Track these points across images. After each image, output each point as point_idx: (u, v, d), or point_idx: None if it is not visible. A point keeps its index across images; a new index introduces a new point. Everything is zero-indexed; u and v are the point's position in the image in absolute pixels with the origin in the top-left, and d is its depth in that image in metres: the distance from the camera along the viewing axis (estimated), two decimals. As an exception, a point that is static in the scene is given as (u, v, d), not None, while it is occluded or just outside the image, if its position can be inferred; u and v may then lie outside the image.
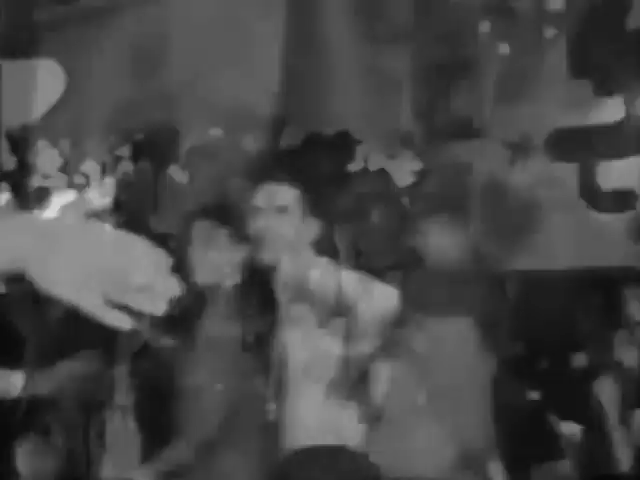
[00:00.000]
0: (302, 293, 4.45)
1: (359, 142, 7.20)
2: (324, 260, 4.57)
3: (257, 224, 4.66)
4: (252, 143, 7.03)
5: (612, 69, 5.64)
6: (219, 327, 4.63)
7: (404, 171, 6.37)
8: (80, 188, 6.88)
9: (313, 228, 4.64)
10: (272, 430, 4.29)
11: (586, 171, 5.64)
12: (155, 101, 7.36)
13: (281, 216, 4.64)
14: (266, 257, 4.63)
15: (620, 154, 5.55)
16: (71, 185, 6.96)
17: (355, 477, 4.09)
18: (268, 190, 4.74)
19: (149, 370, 5.10)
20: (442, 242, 4.78)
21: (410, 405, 4.55)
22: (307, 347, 4.40)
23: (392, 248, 5.11)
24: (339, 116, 7.25)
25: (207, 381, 4.40)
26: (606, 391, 4.75)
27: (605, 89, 5.63)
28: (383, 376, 4.50)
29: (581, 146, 5.78)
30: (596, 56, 5.73)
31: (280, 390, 4.39)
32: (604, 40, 5.75)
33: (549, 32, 6.04)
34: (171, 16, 7.47)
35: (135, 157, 6.74)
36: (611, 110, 5.60)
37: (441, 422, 4.52)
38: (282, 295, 4.63)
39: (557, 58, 5.93)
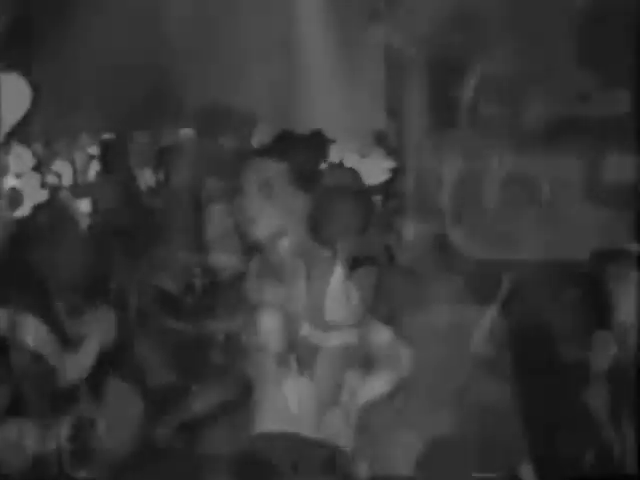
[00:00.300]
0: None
1: (332, 141, 7.24)
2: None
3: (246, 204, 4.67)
4: (228, 142, 7.05)
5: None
6: None
7: (377, 169, 6.40)
8: (54, 188, 6.88)
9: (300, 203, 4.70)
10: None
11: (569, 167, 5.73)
12: (130, 99, 7.39)
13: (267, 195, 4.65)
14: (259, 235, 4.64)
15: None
16: (44, 185, 6.96)
17: (317, 464, 4.13)
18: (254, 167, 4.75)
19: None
20: (414, 237, 4.82)
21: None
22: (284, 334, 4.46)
23: (362, 245, 5.13)
24: (312, 115, 7.29)
25: None
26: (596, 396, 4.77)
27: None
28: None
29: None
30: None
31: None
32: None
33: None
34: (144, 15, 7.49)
35: (104, 156, 6.74)
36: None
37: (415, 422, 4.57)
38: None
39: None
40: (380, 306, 4.91)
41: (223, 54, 7.81)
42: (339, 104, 7.78)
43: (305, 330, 5.15)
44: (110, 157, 6.54)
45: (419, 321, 4.78)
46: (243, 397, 4.43)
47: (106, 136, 6.91)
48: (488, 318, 4.74)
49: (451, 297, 4.77)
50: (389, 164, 6.58)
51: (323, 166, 6.38)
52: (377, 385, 4.54)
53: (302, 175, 4.88)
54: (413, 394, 4.56)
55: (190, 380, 4.81)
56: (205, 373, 4.88)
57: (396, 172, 6.28)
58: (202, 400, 4.63)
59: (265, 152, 6.68)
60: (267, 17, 7.77)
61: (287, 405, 4.47)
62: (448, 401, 4.82)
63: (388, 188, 6.32)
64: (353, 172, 6.14)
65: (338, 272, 4.94)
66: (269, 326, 4.76)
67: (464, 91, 6.24)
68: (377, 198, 6.11)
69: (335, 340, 5.14)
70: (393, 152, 6.71)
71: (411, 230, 4.82)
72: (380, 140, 7.05)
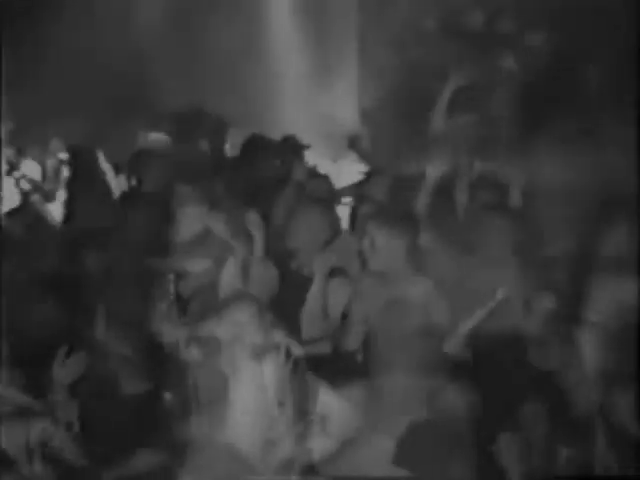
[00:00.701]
0: None
1: (306, 146, 7.26)
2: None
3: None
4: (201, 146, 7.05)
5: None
6: None
7: (349, 173, 6.42)
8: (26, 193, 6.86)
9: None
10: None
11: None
12: (102, 104, 7.38)
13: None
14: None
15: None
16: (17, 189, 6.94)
17: None
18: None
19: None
20: (387, 246, 4.83)
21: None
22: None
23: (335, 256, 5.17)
24: (286, 120, 7.31)
25: None
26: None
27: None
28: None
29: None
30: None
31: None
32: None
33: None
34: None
35: (74, 162, 6.72)
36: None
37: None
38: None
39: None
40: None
41: (196, 59, 7.83)
42: (312, 109, 7.82)
43: (278, 337, 5.17)
44: (80, 163, 6.51)
45: (391, 324, 4.80)
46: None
47: (76, 142, 6.88)
48: (471, 322, 4.75)
49: (422, 299, 4.79)
50: (362, 168, 6.60)
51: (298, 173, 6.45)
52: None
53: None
54: (385, 396, 4.57)
55: (162, 388, 4.77)
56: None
57: (369, 176, 6.28)
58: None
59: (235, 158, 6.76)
60: (239, 23, 7.78)
61: (258, 400, 4.54)
62: (419, 403, 4.85)
63: (361, 192, 6.33)
64: (326, 180, 6.18)
65: (314, 289, 4.98)
66: (244, 317, 4.79)
67: (438, 98, 6.27)
68: (349, 202, 6.14)
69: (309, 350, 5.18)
70: (366, 156, 6.72)
71: (384, 235, 4.82)
72: (353, 144, 7.06)
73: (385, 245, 4.82)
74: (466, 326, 4.75)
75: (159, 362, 4.82)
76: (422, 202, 5.40)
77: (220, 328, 4.78)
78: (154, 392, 4.75)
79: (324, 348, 5.16)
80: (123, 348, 4.82)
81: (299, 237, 5.15)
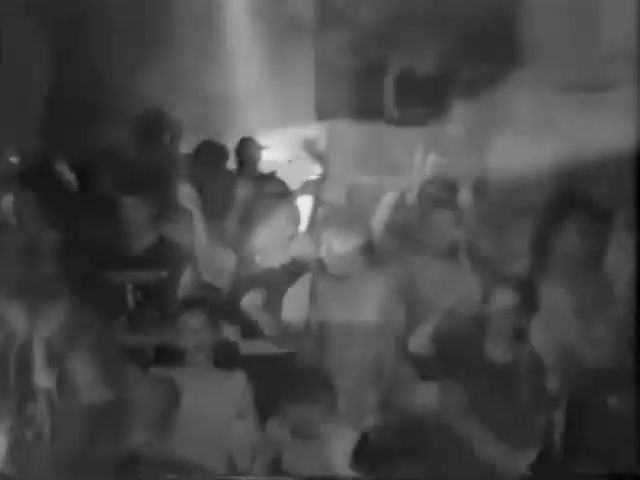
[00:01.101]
0: None
1: (264, 148, 7.26)
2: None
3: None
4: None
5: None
6: None
7: (305, 176, 6.41)
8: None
9: None
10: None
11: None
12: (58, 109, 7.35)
13: None
14: None
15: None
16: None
17: None
18: None
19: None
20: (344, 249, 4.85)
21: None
22: None
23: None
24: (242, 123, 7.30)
25: None
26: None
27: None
28: None
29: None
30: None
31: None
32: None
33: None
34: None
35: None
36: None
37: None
38: None
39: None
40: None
41: (153, 62, 7.80)
42: (268, 110, 7.81)
43: (231, 335, 5.19)
44: (34, 168, 6.47)
45: (349, 323, 4.82)
46: None
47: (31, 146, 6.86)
48: (432, 322, 4.74)
49: (380, 298, 4.79)
50: (317, 171, 6.59)
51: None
52: None
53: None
54: (342, 392, 4.59)
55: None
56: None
57: (324, 179, 6.29)
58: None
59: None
60: (197, 26, 7.77)
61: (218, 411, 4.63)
62: (376, 401, 4.87)
63: (317, 195, 6.34)
64: (282, 183, 6.18)
65: None
66: (196, 322, 4.79)
67: (385, 93, 6.28)
68: (306, 205, 6.13)
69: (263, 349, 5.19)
70: (321, 158, 6.72)
71: (341, 238, 4.84)
72: (308, 147, 7.05)
73: (343, 250, 4.83)
74: (428, 325, 4.73)
75: (120, 372, 4.80)
76: (379, 220, 5.43)
77: (179, 336, 4.80)
78: (116, 402, 4.71)
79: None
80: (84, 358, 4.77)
81: (262, 233, 5.15)
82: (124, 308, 5.48)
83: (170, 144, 7.04)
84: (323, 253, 4.91)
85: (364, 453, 4.25)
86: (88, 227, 5.91)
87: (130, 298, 5.48)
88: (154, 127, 7.06)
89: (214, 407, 4.74)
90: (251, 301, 5.01)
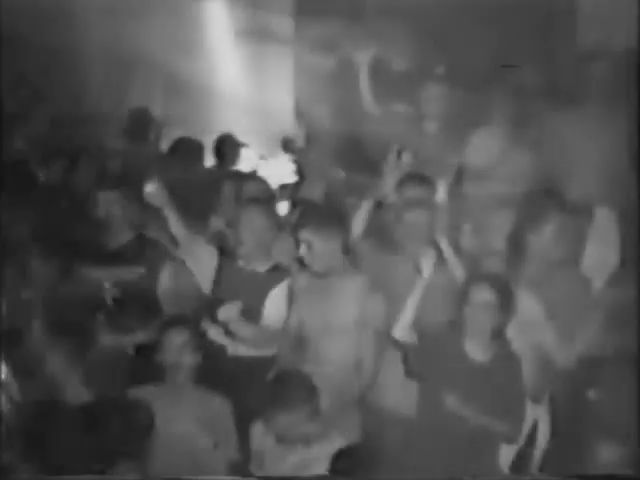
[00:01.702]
0: None
1: (243, 145, 7.27)
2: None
3: None
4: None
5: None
6: None
7: (282, 174, 6.42)
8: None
9: None
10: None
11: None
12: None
13: None
14: None
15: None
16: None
17: None
18: None
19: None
20: (324, 248, 4.85)
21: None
22: None
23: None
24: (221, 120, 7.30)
25: None
26: None
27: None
28: None
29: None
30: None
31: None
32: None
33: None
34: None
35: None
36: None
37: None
38: None
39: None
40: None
41: (131, 60, 7.80)
42: (248, 108, 7.82)
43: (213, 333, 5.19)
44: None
45: (328, 321, 4.83)
46: None
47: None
48: (411, 304, 4.78)
49: (359, 298, 4.81)
50: (295, 169, 6.61)
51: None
52: None
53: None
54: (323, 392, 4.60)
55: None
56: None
57: (303, 177, 6.30)
58: None
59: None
60: (176, 24, 7.76)
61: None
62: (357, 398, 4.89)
63: (296, 194, 6.36)
64: (263, 182, 6.17)
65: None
66: (179, 341, 4.79)
67: (362, 91, 6.29)
68: (284, 204, 6.15)
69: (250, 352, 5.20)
70: (300, 156, 6.73)
71: (321, 238, 4.84)
72: (287, 146, 7.08)
73: (322, 247, 4.83)
74: (409, 311, 4.77)
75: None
76: (358, 224, 5.46)
77: (161, 354, 4.78)
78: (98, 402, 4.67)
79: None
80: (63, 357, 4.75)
81: (244, 236, 5.12)
82: (101, 305, 5.47)
83: (154, 142, 7.04)
84: (302, 252, 4.89)
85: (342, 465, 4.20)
86: (65, 223, 5.93)
87: (107, 295, 5.48)
88: (141, 126, 7.05)
89: (190, 435, 4.75)
90: (226, 314, 5.01)
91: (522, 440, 4.91)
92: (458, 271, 5.10)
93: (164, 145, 7.22)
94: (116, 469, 4.08)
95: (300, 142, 6.83)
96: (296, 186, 6.32)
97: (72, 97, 7.63)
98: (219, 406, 4.82)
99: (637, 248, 5.23)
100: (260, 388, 4.71)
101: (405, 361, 4.94)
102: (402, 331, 4.78)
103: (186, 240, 5.13)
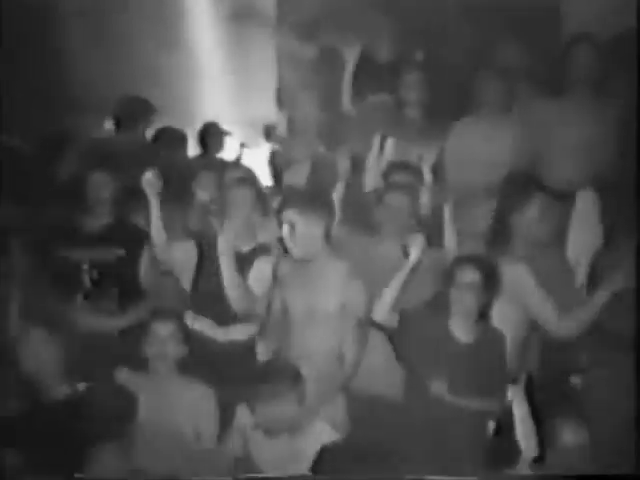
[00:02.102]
0: None
1: (227, 133, 7.26)
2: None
3: None
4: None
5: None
6: None
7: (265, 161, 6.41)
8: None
9: None
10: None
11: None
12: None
13: None
14: None
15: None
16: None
17: None
18: None
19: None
20: (307, 231, 4.82)
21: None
22: None
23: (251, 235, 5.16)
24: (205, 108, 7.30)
25: None
26: None
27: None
28: None
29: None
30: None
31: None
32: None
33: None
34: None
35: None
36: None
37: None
38: None
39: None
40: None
41: (117, 51, 7.80)
42: (231, 97, 7.82)
43: (198, 325, 5.17)
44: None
45: (310, 306, 4.80)
46: None
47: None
48: (394, 286, 4.76)
49: (336, 280, 4.77)
50: (280, 155, 6.60)
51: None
52: None
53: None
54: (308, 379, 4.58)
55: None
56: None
57: (286, 164, 6.28)
58: None
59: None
60: (159, 14, 7.76)
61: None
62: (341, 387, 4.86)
63: (277, 180, 6.35)
64: (247, 169, 6.16)
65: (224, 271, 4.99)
66: (164, 332, 4.76)
67: (345, 79, 6.29)
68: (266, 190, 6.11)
69: (233, 335, 5.18)
70: (283, 144, 6.72)
71: (304, 221, 4.81)
72: (269, 134, 7.06)
73: (305, 230, 4.80)
74: (390, 293, 4.75)
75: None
76: (339, 190, 5.41)
77: (146, 345, 4.76)
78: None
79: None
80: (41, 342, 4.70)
81: (231, 211, 5.11)
82: (80, 287, 5.45)
83: (142, 130, 7.02)
84: (284, 234, 4.86)
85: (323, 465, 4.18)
86: (45, 203, 5.91)
87: (86, 277, 5.46)
88: (132, 113, 7.02)
89: (175, 425, 4.73)
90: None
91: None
92: (452, 244, 5.06)
93: (148, 134, 7.18)
94: (96, 453, 4.06)
95: (282, 129, 6.82)
96: (279, 172, 6.30)
97: (55, 83, 7.61)
98: (202, 396, 4.81)
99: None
100: (245, 375, 4.71)
101: (389, 344, 4.92)
102: (381, 313, 4.75)
103: (163, 244, 5.17)
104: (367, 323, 4.86)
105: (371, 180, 5.75)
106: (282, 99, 7.01)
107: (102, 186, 5.51)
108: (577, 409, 4.73)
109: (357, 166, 5.74)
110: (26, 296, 5.01)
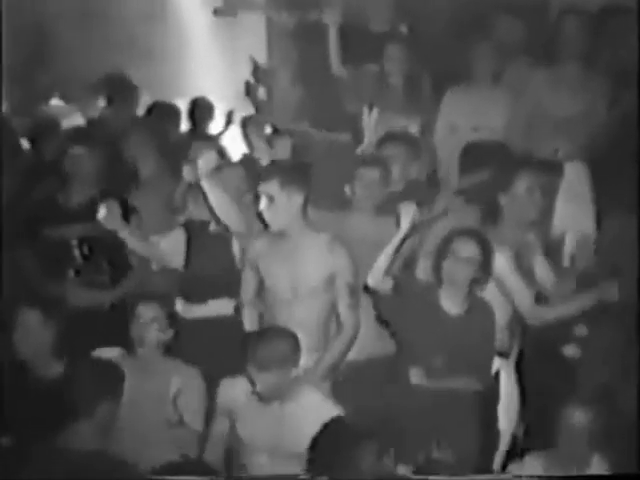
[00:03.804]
0: None
1: (214, 107, 7.24)
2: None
3: None
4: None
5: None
6: None
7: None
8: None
9: None
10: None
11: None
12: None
13: None
14: None
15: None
16: None
17: None
18: None
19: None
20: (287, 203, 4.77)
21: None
22: None
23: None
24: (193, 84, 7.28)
25: None
26: None
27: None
28: None
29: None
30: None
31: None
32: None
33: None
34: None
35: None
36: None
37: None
38: None
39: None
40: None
41: (103, 25, 7.78)
42: (218, 70, 7.80)
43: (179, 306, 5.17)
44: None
45: (294, 283, 4.77)
46: None
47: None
48: (387, 252, 4.74)
49: (319, 252, 4.75)
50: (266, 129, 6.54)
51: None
52: None
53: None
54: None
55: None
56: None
57: (272, 138, 6.23)
58: None
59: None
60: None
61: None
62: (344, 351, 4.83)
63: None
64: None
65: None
66: (148, 316, 4.75)
67: (330, 42, 6.25)
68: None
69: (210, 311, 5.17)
70: (262, 107, 6.70)
71: (283, 191, 4.74)
72: (249, 92, 7.00)
73: (284, 202, 4.74)
74: (384, 259, 4.72)
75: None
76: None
77: (131, 327, 4.74)
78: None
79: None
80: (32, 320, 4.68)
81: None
82: (71, 263, 5.44)
83: (130, 106, 6.98)
84: (262, 207, 4.78)
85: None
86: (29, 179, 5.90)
87: (76, 253, 5.44)
88: (117, 90, 6.99)
89: (158, 407, 4.70)
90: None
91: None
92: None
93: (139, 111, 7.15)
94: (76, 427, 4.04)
95: (262, 92, 6.80)
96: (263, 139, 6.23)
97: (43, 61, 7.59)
98: (188, 377, 4.77)
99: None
100: (229, 349, 4.70)
101: (376, 310, 4.91)
102: (376, 278, 4.73)
103: (148, 253, 5.19)
104: (357, 289, 4.82)
105: (367, 148, 5.71)
106: (264, 69, 6.99)
107: (82, 161, 5.47)
108: (575, 389, 4.68)
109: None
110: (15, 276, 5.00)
